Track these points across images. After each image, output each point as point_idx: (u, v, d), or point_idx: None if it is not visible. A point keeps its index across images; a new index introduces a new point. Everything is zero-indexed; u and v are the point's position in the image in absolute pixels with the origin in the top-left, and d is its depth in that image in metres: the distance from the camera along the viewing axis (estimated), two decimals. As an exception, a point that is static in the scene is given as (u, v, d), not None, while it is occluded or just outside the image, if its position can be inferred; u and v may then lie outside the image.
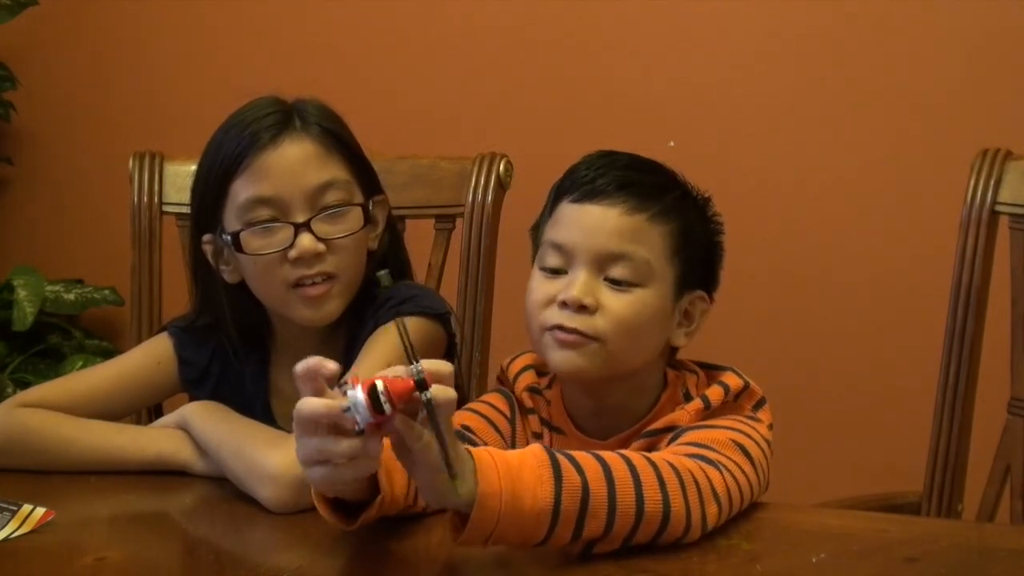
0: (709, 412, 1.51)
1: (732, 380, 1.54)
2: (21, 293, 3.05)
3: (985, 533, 1.62)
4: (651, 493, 1.34)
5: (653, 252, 1.51)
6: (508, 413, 1.61)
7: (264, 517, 1.53)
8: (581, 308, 1.49)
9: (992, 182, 1.88)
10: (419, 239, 2.08)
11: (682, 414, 1.51)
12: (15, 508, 1.49)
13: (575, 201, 1.53)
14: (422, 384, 1.21)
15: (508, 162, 2.05)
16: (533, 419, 1.60)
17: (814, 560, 1.37)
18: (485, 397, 1.64)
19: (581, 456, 1.34)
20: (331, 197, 1.71)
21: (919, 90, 2.60)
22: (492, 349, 2.05)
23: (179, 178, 2.15)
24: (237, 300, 1.77)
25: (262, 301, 1.76)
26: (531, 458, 1.31)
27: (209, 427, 1.66)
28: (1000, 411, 1.91)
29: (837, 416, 2.68)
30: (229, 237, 1.71)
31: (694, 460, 1.40)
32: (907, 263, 2.62)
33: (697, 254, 1.56)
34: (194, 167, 2.14)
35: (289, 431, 1.61)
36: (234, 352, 1.80)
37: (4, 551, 1.42)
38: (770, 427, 1.53)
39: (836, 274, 2.69)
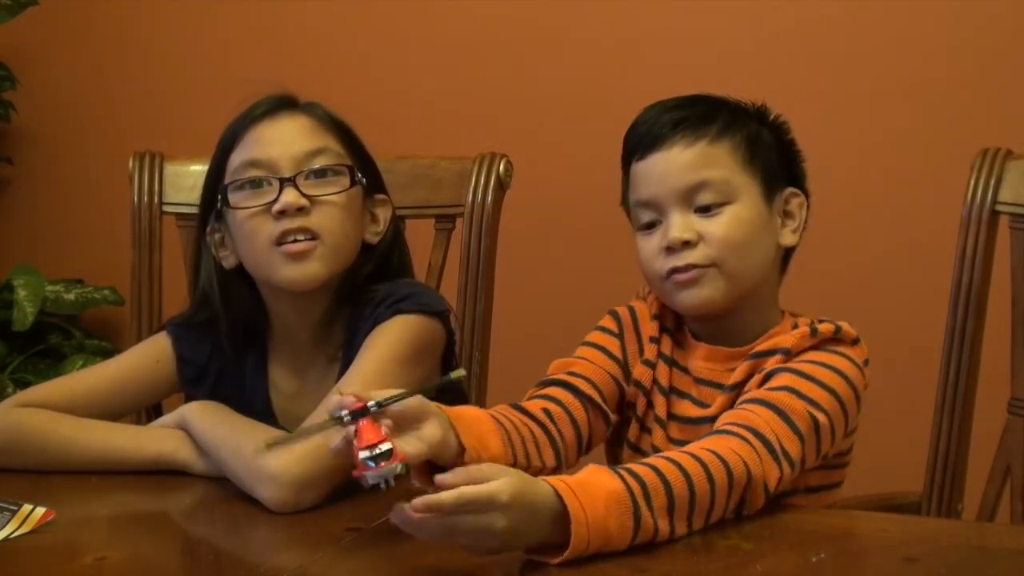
0: (815, 339, 1.55)
1: (846, 327, 1.58)
2: (21, 293, 3.05)
3: (985, 533, 1.62)
4: (700, 507, 1.39)
5: (728, 169, 1.58)
6: (616, 330, 1.69)
7: (264, 517, 1.53)
8: (685, 244, 1.56)
9: (992, 182, 1.88)
10: (419, 239, 2.08)
11: (788, 337, 1.56)
12: (15, 508, 1.49)
13: (641, 158, 1.60)
14: (363, 411, 1.30)
15: (508, 162, 2.05)
16: (654, 324, 1.66)
17: (814, 560, 1.37)
18: (601, 322, 1.70)
19: (653, 485, 1.36)
20: (321, 162, 1.74)
21: (919, 89, 2.60)
22: (492, 349, 2.05)
23: (179, 178, 2.15)
24: (235, 290, 1.78)
25: (250, 270, 1.76)
26: (615, 505, 1.33)
27: (208, 427, 1.66)
28: (1000, 411, 1.91)
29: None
30: (220, 197, 1.74)
31: (749, 448, 1.43)
32: (907, 263, 2.62)
33: (771, 156, 1.63)
34: (194, 167, 2.15)
35: (289, 428, 1.62)
36: (232, 346, 1.80)
37: (4, 551, 1.42)
38: (866, 363, 1.57)
39: (836, 273, 2.68)
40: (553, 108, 2.85)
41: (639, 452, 1.66)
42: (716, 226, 1.57)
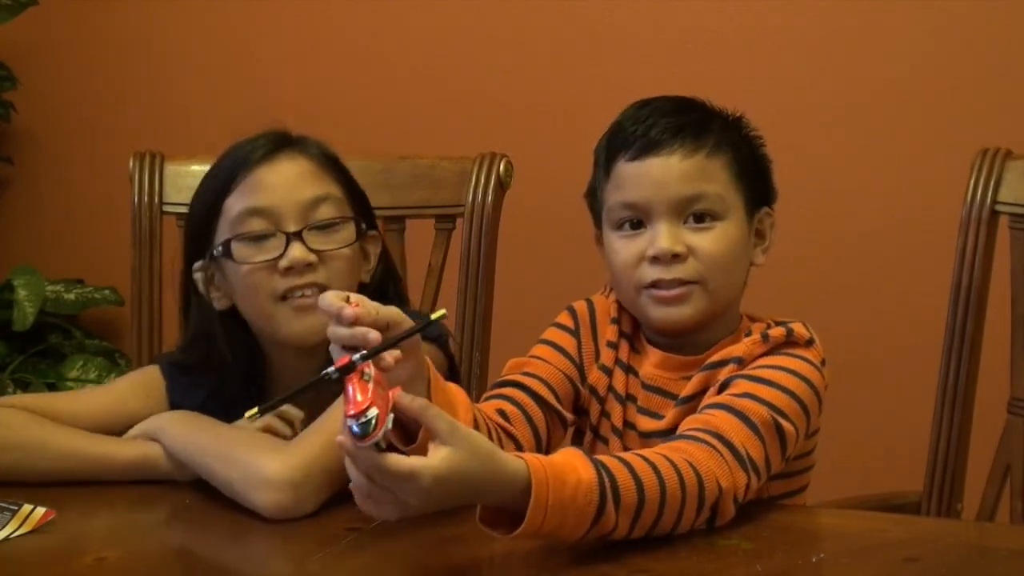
0: (767, 345, 1.53)
1: (798, 328, 1.56)
2: (21, 293, 3.05)
3: (985, 533, 1.63)
4: (669, 513, 1.36)
5: (722, 184, 1.56)
6: (573, 326, 1.66)
7: (265, 517, 1.52)
8: (674, 257, 1.53)
9: (992, 182, 1.88)
10: (419, 239, 2.08)
11: (739, 346, 1.54)
12: (15, 508, 1.49)
13: (633, 159, 1.56)
14: (350, 366, 1.27)
15: (508, 162, 2.05)
16: (613, 328, 1.63)
17: (814, 560, 1.37)
18: (558, 319, 1.68)
19: (625, 485, 1.33)
20: (324, 212, 1.69)
21: (919, 90, 2.60)
22: (492, 349, 2.05)
23: (179, 178, 2.15)
24: (231, 333, 1.72)
25: (249, 320, 1.71)
26: (582, 497, 1.31)
27: (190, 435, 1.62)
28: (1000, 411, 1.91)
29: (837, 416, 2.68)
30: (220, 247, 1.69)
31: (719, 458, 1.40)
32: (907, 263, 2.62)
33: (753, 174, 1.61)
34: (194, 167, 2.14)
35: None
36: (233, 396, 1.71)
37: (4, 551, 1.42)
38: (823, 363, 1.55)
39: (836, 273, 2.69)
40: (553, 108, 2.85)
41: None
42: (706, 241, 1.54)
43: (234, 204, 1.69)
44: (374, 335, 1.30)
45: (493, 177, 2.04)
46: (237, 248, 1.68)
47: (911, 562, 1.36)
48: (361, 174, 2.09)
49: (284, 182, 1.69)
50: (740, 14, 2.71)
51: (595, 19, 2.83)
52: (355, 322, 1.30)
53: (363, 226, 1.73)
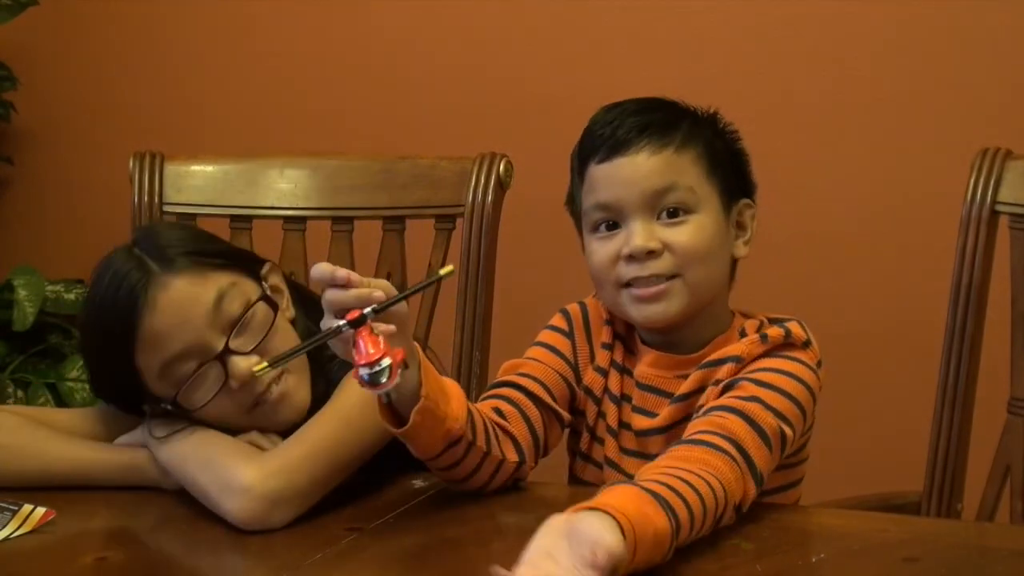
0: (765, 346, 1.53)
1: (796, 329, 1.56)
2: (21, 293, 3.05)
3: (985, 533, 1.63)
4: (695, 535, 1.36)
5: (692, 178, 1.56)
6: (567, 328, 1.67)
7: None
8: (649, 254, 1.53)
9: (992, 182, 1.88)
10: (419, 239, 2.08)
11: (738, 345, 1.54)
12: (15, 508, 1.49)
13: (603, 161, 1.57)
14: (361, 319, 1.31)
15: (508, 162, 2.05)
16: (607, 329, 1.64)
17: (814, 560, 1.37)
18: (552, 321, 1.69)
19: (684, 527, 1.32)
20: (230, 306, 1.59)
21: (919, 90, 2.60)
22: (492, 349, 2.05)
23: (179, 178, 2.15)
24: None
25: (232, 430, 1.63)
26: (658, 548, 1.29)
27: (174, 442, 1.60)
28: (1000, 411, 1.91)
29: (837, 415, 2.68)
30: (170, 406, 1.61)
31: (737, 472, 1.40)
32: (907, 263, 2.62)
33: (727, 167, 1.61)
34: (194, 167, 2.12)
35: None
36: None
37: (4, 551, 1.42)
38: (819, 364, 1.55)
39: (836, 273, 2.69)
40: (553, 108, 2.84)
41: (591, 462, 1.65)
42: (681, 235, 1.54)
43: (150, 360, 1.59)
44: (379, 294, 1.33)
45: (493, 177, 2.04)
46: (185, 399, 1.60)
47: (911, 562, 1.36)
48: (361, 174, 2.09)
49: (179, 316, 1.58)
50: (740, 14, 2.71)
51: (595, 19, 2.82)
52: (348, 283, 1.33)
53: (265, 290, 1.64)
